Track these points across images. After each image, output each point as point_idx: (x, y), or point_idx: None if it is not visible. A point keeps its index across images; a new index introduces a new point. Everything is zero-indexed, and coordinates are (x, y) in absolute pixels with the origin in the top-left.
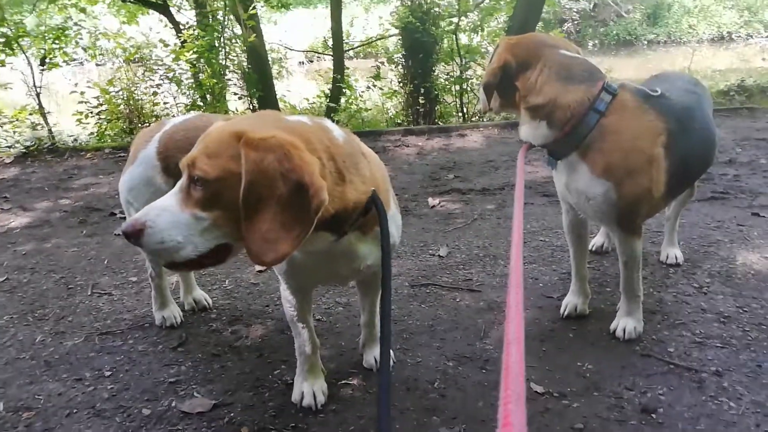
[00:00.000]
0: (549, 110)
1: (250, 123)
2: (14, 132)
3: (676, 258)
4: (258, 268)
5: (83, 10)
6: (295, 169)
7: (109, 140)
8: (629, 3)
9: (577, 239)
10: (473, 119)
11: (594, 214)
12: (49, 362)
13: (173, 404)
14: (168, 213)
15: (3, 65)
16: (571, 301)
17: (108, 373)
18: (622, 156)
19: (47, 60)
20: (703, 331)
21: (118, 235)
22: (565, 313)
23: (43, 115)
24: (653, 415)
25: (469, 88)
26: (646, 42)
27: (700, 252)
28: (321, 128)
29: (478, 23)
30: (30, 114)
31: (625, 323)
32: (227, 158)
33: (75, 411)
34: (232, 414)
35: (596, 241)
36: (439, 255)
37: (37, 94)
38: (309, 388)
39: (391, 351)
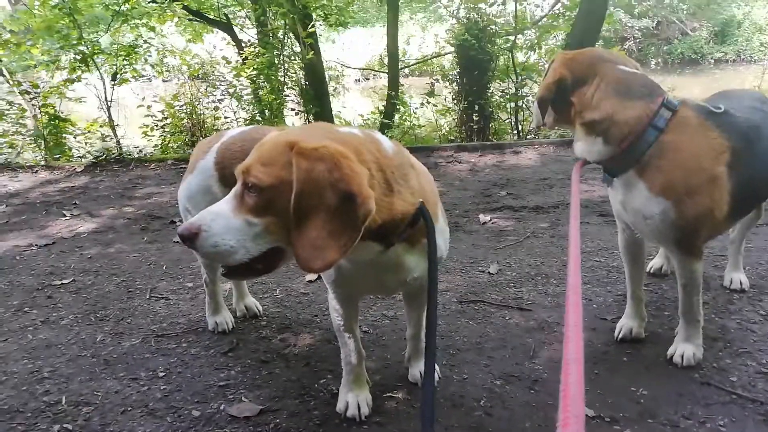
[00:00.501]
0: (606, 126)
1: (302, 133)
2: (86, 143)
3: (740, 283)
4: (308, 278)
5: (153, 29)
6: (344, 179)
7: (172, 152)
8: (695, 21)
9: (633, 259)
10: (528, 137)
11: (651, 234)
12: (108, 361)
13: (222, 407)
14: (222, 218)
15: (79, 80)
16: (626, 324)
17: (162, 374)
18: (681, 174)
19: (118, 76)
20: None
21: (177, 242)
22: (620, 336)
23: (113, 127)
24: None
25: (524, 106)
26: (713, 60)
27: (767, 278)
28: (371, 140)
29: (536, 41)
30: (101, 126)
31: (684, 349)
32: (280, 167)
33: (129, 409)
34: (277, 420)
35: (654, 263)
36: (489, 272)
37: (108, 108)
38: (354, 399)
39: (436, 366)
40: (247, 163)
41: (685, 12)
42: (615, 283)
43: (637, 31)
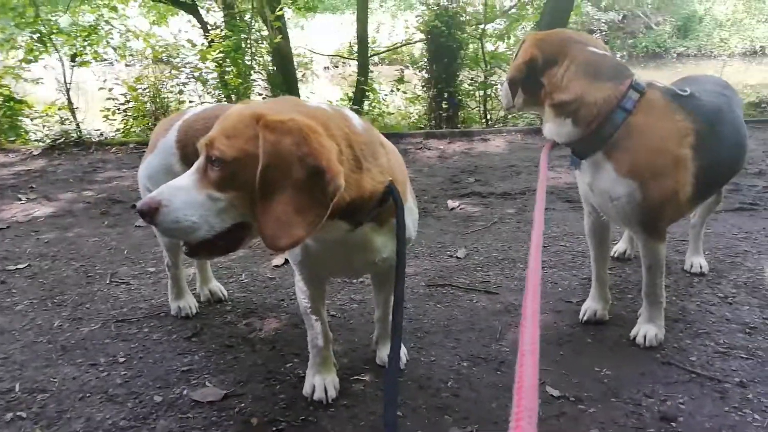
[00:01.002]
0: (575, 107)
1: (269, 106)
2: (43, 126)
3: (700, 267)
4: (275, 262)
5: (114, 9)
6: (313, 153)
7: (134, 136)
8: (659, 15)
9: (598, 243)
10: (497, 125)
11: (617, 216)
12: (66, 347)
13: (185, 392)
14: (184, 192)
15: (36, 60)
16: (590, 306)
17: (122, 360)
18: (648, 156)
19: (78, 58)
20: (727, 342)
21: (139, 226)
22: (584, 318)
23: (72, 110)
24: (672, 424)
25: (493, 94)
26: (675, 55)
27: (726, 262)
28: (340, 115)
29: (504, 31)
30: (59, 109)
31: (646, 330)
32: (246, 139)
33: (88, 395)
34: (242, 404)
35: (618, 247)
36: (456, 256)
37: (67, 90)
38: (320, 382)
39: (404, 347)
40: (210, 136)
41: (649, 6)
42: (580, 267)
43: (603, 24)
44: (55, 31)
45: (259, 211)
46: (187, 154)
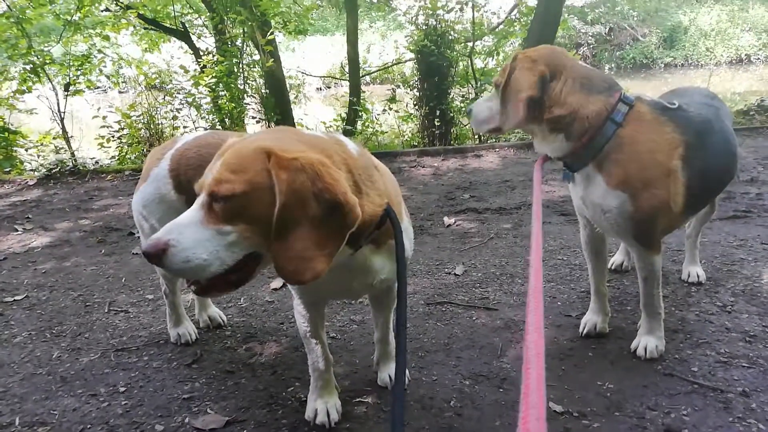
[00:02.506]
0: (569, 121)
1: (272, 139)
2: (38, 155)
3: (698, 276)
4: (273, 285)
5: (107, 38)
6: (328, 189)
7: (130, 163)
8: (645, 27)
9: (595, 256)
10: (489, 140)
11: (610, 228)
12: (65, 378)
13: (186, 421)
14: (191, 229)
15: (30, 91)
16: (590, 320)
17: (122, 389)
18: (638, 167)
19: (71, 87)
20: (728, 351)
21: (136, 253)
22: (585, 331)
23: (66, 139)
24: None
25: None
26: (663, 65)
27: (723, 270)
28: (336, 141)
29: (493, 47)
30: (54, 138)
31: (647, 342)
32: (254, 173)
33: (89, 426)
34: (245, 431)
35: (616, 259)
36: (455, 273)
37: (61, 119)
38: (322, 406)
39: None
40: (215, 176)
41: (635, 18)
42: (578, 280)
43: (590, 37)
44: (48, 61)
45: (277, 248)
46: (180, 183)
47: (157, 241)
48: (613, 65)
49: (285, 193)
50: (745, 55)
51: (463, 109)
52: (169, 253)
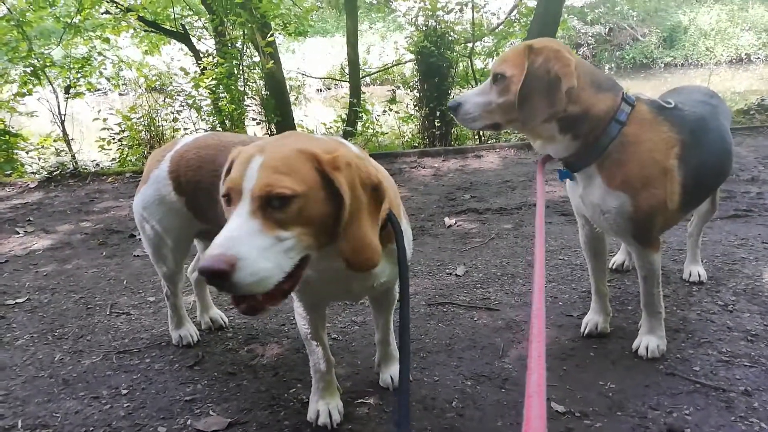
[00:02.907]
0: (580, 120)
1: (296, 142)
2: (39, 158)
3: (699, 276)
4: None
5: (107, 41)
6: (369, 176)
7: (130, 165)
8: (645, 27)
9: (594, 255)
10: (489, 141)
11: (610, 228)
12: (67, 380)
13: (188, 422)
14: (254, 240)
15: (30, 93)
16: (591, 320)
17: (125, 391)
18: (638, 168)
19: (72, 89)
20: (730, 350)
21: (137, 256)
22: (586, 331)
23: (67, 141)
24: None
25: None
26: (663, 65)
27: (724, 270)
28: (341, 144)
29: (493, 48)
30: (54, 141)
31: (648, 341)
32: (305, 174)
33: (91, 429)
34: None
35: (616, 258)
36: (456, 274)
37: (62, 122)
38: (324, 407)
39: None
40: (265, 180)
41: (635, 18)
42: (579, 280)
43: (590, 38)
44: (48, 64)
45: (348, 242)
46: (180, 184)
47: (221, 256)
48: (613, 65)
49: (348, 189)
50: (745, 54)
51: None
52: (238, 268)
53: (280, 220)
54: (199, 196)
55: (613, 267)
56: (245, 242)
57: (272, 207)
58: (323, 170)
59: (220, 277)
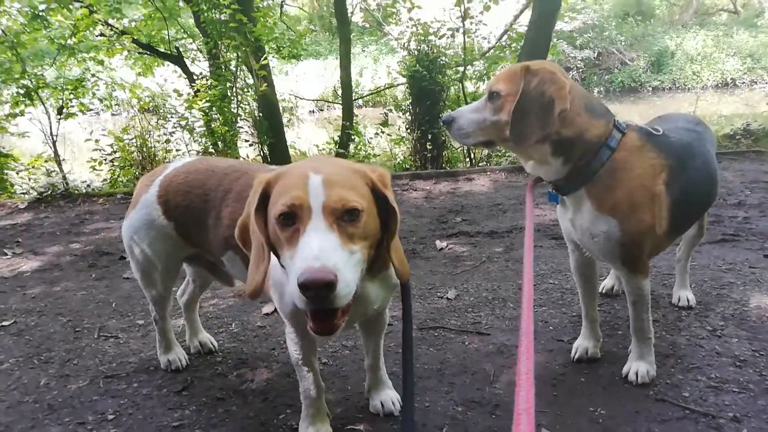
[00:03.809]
0: (573, 143)
1: (348, 162)
2: (29, 179)
3: (688, 300)
4: (265, 310)
5: (101, 63)
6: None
7: (122, 186)
8: (632, 51)
9: (585, 280)
10: (480, 164)
11: (599, 252)
12: (53, 405)
13: None
14: (341, 254)
15: (23, 114)
16: (581, 345)
17: (111, 417)
18: (627, 193)
19: (64, 110)
20: (719, 375)
21: (127, 278)
22: (576, 356)
23: (58, 162)
24: None
25: None
26: (651, 89)
27: (712, 294)
28: None
29: (484, 72)
30: (45, 161)
31: (638, 367)
32: (363, 190)
33: None
34: None
35: (606, 283)
36: (447, 298)
37: (54, 143)
38: None
39: (396, 394)
40: (335, 195)
41: (623, 43)
42: (570, 304)
43: (579, 62)
44: (41, 84)
45: (396, 250)
46: (169, 209)
47: (324, 267)
48: (602, 89)
49: (394, 205)
50: (731, 79)
51: None
52: (338, 279)
53: (351, 235)
54: (189, 221)
55: (603, 291)
56: (335, 255)
57: (344, 221)
58: (374, 187)
59: (328, 287)
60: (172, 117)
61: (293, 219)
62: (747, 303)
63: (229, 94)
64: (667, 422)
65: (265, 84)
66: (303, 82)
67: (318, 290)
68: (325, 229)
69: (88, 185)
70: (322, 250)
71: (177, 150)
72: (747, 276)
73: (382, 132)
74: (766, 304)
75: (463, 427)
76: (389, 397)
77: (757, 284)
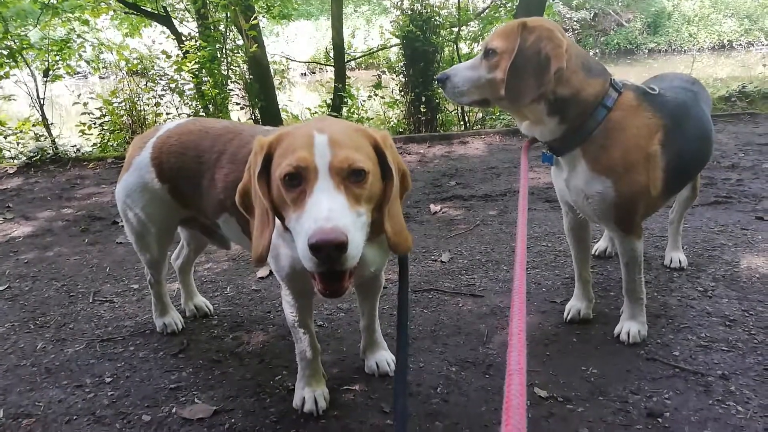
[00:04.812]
0: (569, 103)
1: (352, 123)
2: (18, 143)
3: (680, 262)
4: (259, 273)
5: (86, 23)
6: (401, 161)
7: (112, 150)
8: (629, 12)
9: (578, 242)
10: (475, 127)
11: (592, 213)
12: (50, 369)
13: (174, 410)
14: (349, 215)
15: (7, 77)
16: (574, 306)
17: (108, 380)
18: (622, 153)
19: (50, 72)
20: (709, 335)
21: (120, 243)
22: (569, 317)
23: (47, 126)
24: (659, 420)
25: None
26: (647, 51)
27: (704, 256)
28: None
29: (479, 33)
30: (33, 125)
31: (629, 327)
32: (368, 151)
33: (75, 417)
34: (233, 420)
35: (599, 245)
36: (441, 260)
37: (41, 106)
38: (310, 394)
39: (391, 354)
40: (342, 156)
41: (619, 4)
42: (562, 266)
43: (575, 23)
44: (25, 45)
45: (392, 217)
46: (162, 171)
47: (336, 228)
48: (597, 51)
49: (399, 169)
50: (728, 41)
51: None
52: (349, 240)
53: (357, 196)
54: (183, 183)
55: (596, 253)
56: (345, 216)
57: (350, 182)
58: (378, 148)
59: (339, 248)
60: (161, 80)
61: (299, 180)
62: (738, 264)
63: (218, 55)
64: (657, 380)
65: (256, 45)
66: (294, 43)
67: (330, 251)
68: (333, 190)
69: (78, 149)
70: (332, 211)
71: (167, 114)
72: (738, 237)
73: (376, 95)
74: (756, 264)
75: (456, 386)
76: (384, 357)
77: (749, 245)
